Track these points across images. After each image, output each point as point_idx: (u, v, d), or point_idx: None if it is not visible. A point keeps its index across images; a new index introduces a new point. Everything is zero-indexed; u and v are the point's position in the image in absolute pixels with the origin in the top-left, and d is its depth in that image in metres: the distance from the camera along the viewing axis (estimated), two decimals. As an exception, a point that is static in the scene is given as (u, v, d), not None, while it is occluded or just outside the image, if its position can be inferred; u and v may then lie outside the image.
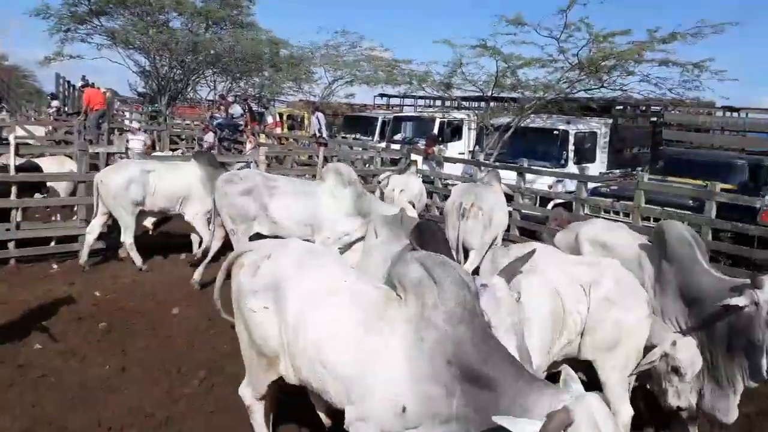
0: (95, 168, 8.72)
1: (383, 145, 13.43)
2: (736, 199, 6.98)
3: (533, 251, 3.49)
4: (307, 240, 6.47)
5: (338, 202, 6.39)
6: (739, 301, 3.59)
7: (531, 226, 8.98)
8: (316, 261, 3.25)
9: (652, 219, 7.77)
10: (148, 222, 7.78)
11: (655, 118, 14.17)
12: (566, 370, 2.47)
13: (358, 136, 17.34)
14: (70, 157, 8.75)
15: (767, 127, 13.41)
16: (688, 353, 3.58)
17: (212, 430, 4.15)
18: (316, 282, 3.08)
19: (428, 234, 3.92)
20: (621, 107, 13.48)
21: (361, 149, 13.52)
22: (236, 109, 17.53)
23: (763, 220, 7.56)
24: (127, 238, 7.35)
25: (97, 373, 4.81)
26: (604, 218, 8.01)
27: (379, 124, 17.42)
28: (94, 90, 16.61)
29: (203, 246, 7.30)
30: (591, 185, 9.11)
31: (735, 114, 15.24)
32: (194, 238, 7.96)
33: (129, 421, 4.17)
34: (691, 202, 8.24)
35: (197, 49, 20.66)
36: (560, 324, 3.68)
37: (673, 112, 14.25)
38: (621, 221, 7.27)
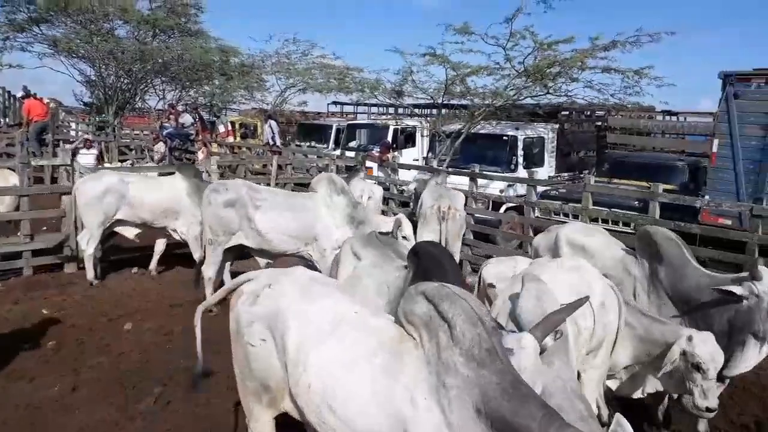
0: (39, 181, 8.44)
1: (338, 152, 13.44)
2: (677, 200, 7.29)
3: (584, 299, 2.83)
4: (297, 254, 6.54)
5: (333, 211, 6.31)
6: (737, 289, 3.68)
7: (484, 229, 9.16)
8: (321, 289, 3.00)
9: (600, 220, 8.05)
10: (131, 233, 7.67)
11: (599, 123, 14.67)
12: (618, 419, 2.22)
13: (312, 144, 17.30)
14: (13, 170, 8.44)
15: (705, 130, 14.06)
16: (707, 347, 3.37)
17: (170, 448, 4.08)
18: (321, 312, 2.81)
19: (427, 258, 3.55)
20: (567, 113, 13.89)
21: (316, 157, 13.52)
22: (186, 119, 17.24)
23: (703, 219, 7.95)
24: (88, 248, 7.22)
25: (48, 394, 4.66)
26: (557, 221, 8.30)
27: (333, 131, 17.41)
28: (34, 101, 16.04)
29: (197, 260, 7.13)
30: (540, 189, 9.36)
31: (674, 118, 15.95)
32: (158, 247, 7.85)
33: (82, 441, 4.06)
34: (636, 203, 8.58)
35: (144, 58, 20.16)
36: (580, 347, 3.48)
37: (616, 116, 14.79)
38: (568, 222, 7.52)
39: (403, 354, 2.46)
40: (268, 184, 10.42)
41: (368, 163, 11.54)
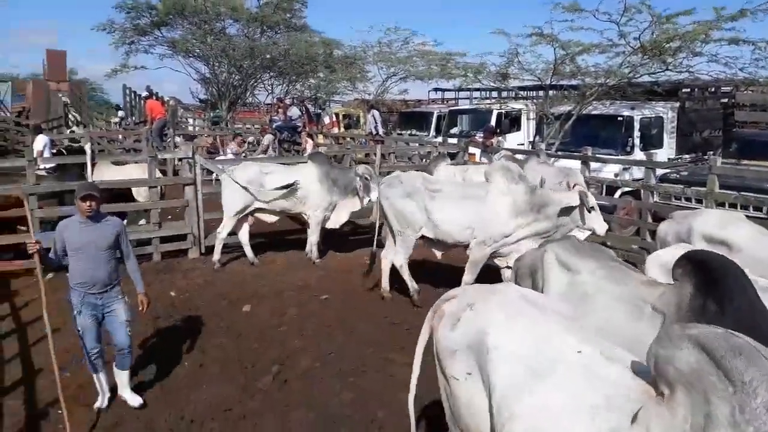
0: (163, 174, 9.11)
1: (440, 139, 13.34)
2: (821, 181, 6.56)
3: None
4: (465, 243, 6.43)
5: (506, 200, 6.11)
6: None
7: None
8: (536, 315, 2.47)
9: (727, 205, 7.42)
10: (270, 220, 8.34)
11: (725, 100, 13.49)
12: None
13: (413, 131, 17.31)
14: (135, 163, 9.18)
15: None
16: None
17: (287, 425, 4.25)
18: (534, 346, 2.31)
19: (730, 280, 2.62)
20: (688, 90, 12.89)
21: (417, 145, 13.51)
22: (294, 111, 17.84)
23: None
24: (222, 232, 7.92)
25: (178, 371, 5.01)
26: (678, 206, 7.75)
27: (434, 118, 17.29)
28: (154, 101, 17.32)
29: (312, 243, 8.17)
30: (660, 172, 8.78)
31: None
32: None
33: (209, 415, 4.33)
34: (770, 185, 7.82)
35: (254, 54, 21.16)
36: None
37: (745, 92, 13.50)
38: (693, 207, 6.99)
39: (641, 419, 1.88)
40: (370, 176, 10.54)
41: (471, 149, 11.35)
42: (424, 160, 11.72)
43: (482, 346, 2.41)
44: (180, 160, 9.64)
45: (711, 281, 2.65)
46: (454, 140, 13.21)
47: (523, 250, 5.06)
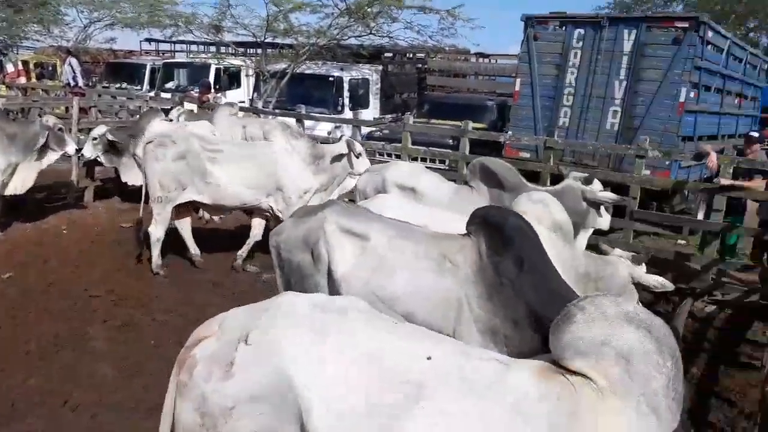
0: None
1: (152, 94, 12.41)
2: (484, 136, 7.86)
3: None
4: (257, 207, 6.18)
5: (294, 157, 6.11)
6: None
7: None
8: (346, 327, 1.88)
9: (419, 159, 8.43)
10: None
11: (420, 65, 15.18)
12: None
13: (124, 85, 15.80)
14: None
15: (512, 71, 15.19)
16: None
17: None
18: (366, 373, 1.76)
19: (520, 235, 2.74)
20: (390, 54, 14.15)
21: (126, 99, 12.35)
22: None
23: (506, 153, 8.68)
24: None
25: None
26: (380, 161, 8.53)
27: (147, 71, 16.08)
28: None
29: None
30: (365, 130, 9.53)
31: (486, 60, 17.02)
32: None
33: None
34: (451, 141, 9.10)
35: None
36: None
37: (435, 59, 15.40)
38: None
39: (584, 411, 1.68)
40: (70, 130, 9.35)
41: (187, 105, 10.81)
42: (134, 116, 10.79)
43: (284, 392, 1.76)
44: None
45: (505, 237, 2.72)
46: (168, 95, 12.43)
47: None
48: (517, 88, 9.07)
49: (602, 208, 5.00)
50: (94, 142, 7.78)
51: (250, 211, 6.53)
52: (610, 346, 1.73)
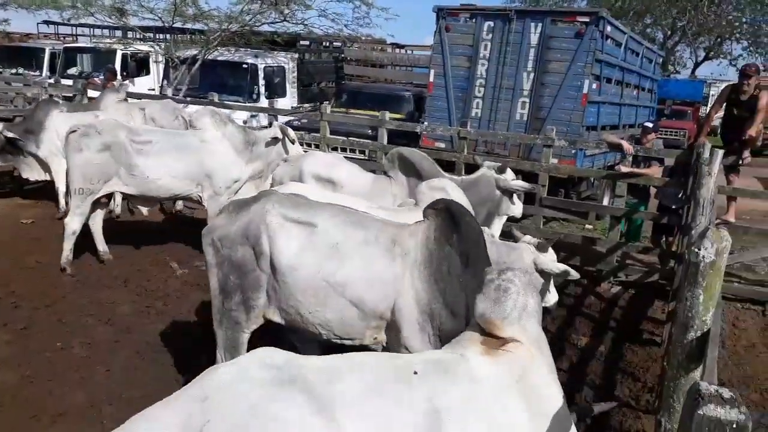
0: None
1: (52, 80, 11.64)
2: (401, 126, 7.97)
3: None
4: (186, 197, 6.11)
5: (226, 144, 5.99)
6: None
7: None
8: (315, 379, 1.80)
9: (339, 149, 8.43)
10: None
11: (336, 54, 15.10)
12: None
13: (20, 70, 14.73)
14: None
15: (427, 62, 15.42)
16: None
17: None
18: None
19: (464, 222, 3.03)
20: (306, 43, 13.99)
21: (22, 86, 11.51)
22: None
23: (423, 143, 8.84)
24: None
25: None
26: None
27: (47, 56, 15.22)
28: None
29: None
30: (282, 119, 9.40)
31: (402, 50, 17.17)
32: None
33: None
34: (369, 131, 9.14)
35: None
36: None
37: (351, 48, 15.37)
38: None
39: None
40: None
41: (90, 93, 10.24)
42: (30, 104, 10.08)
43: None
44: None
45: (452, 224, 2.96)
46: (69, 82, 11.71)
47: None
48: (431, 79, 9.22)
49: (515, 195, 5.22)
50: None
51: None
52: (527, 310, 2.13)
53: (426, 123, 8.63)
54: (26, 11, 17.86)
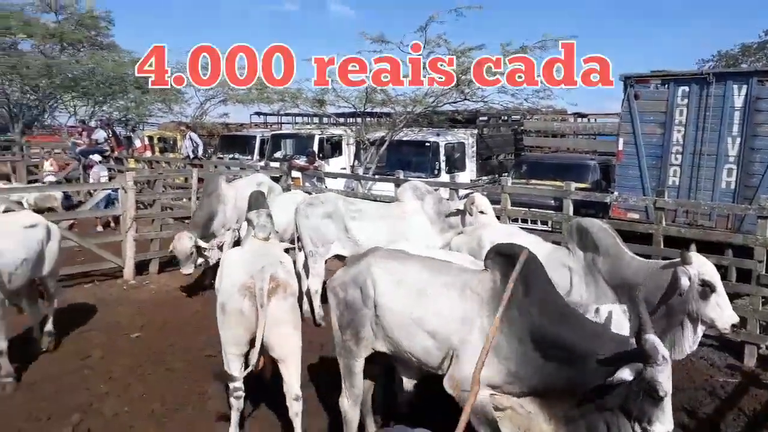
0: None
1: (262, 163, 13.26)
2: (589, 196, 7.70)
3: None
4: None
5: (422, 216, 6.58)
6: (683, 280, 3.78)
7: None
8: None
9: (519, 220, 8.36)
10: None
11: (516, 127, 15.22)
12: None
13: (236, 156, 16.98)
14: None
15: (612, 130, 14.87)
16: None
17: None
18: None
19: (527, 266, 3.24)
20: (485, 118, 14.33)
21: (239, 169, 13.27)
22: (100, 134, 16.47)
23: (613, 214, 8.41)
24: None
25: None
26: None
27: (257, 142, 17.10)
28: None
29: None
30: (462, 192, 9.61)
31: (585, 119, 16.78)
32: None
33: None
34: (552, 201, 8.96)
35: (52, 73, 19.21)
36: None
37: (531, 120, 15.39)
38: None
39: None
40: (189, 199, 10.16)
41: (294, 174, 11.46)
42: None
43: None
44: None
45: (514, 266, 3.20)
46: (276, 164, 13.25)
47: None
48: (620, 147, 8.84)
49: (712, 295, 3.95)
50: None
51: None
52: None
53: (616, 193, 8.23)
54: (242, 105, 20.89)
